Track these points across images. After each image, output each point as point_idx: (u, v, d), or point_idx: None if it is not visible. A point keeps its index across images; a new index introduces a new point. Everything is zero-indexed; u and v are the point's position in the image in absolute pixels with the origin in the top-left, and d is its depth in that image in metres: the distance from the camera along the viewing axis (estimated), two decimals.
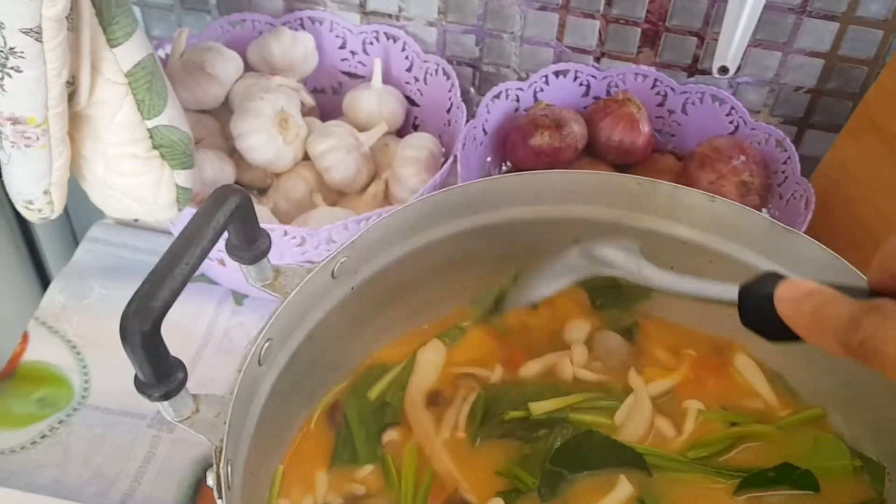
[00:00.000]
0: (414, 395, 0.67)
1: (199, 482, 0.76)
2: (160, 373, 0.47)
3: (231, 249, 0.54)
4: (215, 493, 0.49)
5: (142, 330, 0.45)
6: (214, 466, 0.49)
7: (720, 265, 0.66)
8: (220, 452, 0.49)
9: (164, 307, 0.45)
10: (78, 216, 1.04)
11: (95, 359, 0.83)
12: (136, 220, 0.94)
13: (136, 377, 0.48)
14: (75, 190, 0.76)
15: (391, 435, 0.65)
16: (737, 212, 0.64)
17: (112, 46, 0.66)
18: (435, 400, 0.67)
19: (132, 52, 0.67)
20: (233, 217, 0.50)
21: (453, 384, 0.68)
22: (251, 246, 0.54)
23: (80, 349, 0.84)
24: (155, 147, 0.71)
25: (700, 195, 0.64)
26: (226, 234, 0.54)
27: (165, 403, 0.49)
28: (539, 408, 0.66)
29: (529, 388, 0.67)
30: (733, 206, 0.64)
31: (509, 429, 0.66)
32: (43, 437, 0.78)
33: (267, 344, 0.55)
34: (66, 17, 0.61)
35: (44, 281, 1.04)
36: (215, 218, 0.49)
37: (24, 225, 1.00)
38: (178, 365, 0.49)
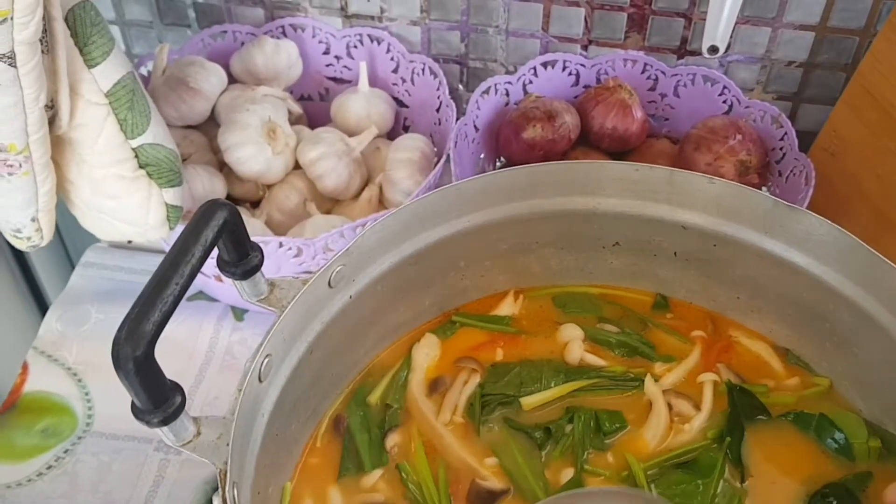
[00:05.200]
0: (415, 390, 0.66)
1: (211, 502, 0.75)
2: (157, 398, 0.46)
3: (223, 266, 0.53)
4: None
5: (134, 356, 0.43)
6: (220, 491, 0.48)
7: (724, 248, 0.65)
8: (225, 475, 0.48)
9: (156, 330, 0.44)
10: (72, 240, 1.02)
11: (97, 385, 0.82)
12: (129, 242, 0.93)
13: (132, 404, 0.46)
14: (68, 214, 0.75)
15: (394, 438, 0.63)
16: (737, 192, 0.62)
17: (90, 67, 0.65)
18: (436, 387, 0.66)
19: (111, 71, 0.66)
20: (221, 232, 0.49)
21: (454, 368, 0.67)
22: (243, 261, 0.53)
23: (81, 376, 0.83)
24: (141, 166, 0.70)
25: (699, 178, 0.63)
26: (216, 251, 0.53)
27: (165, 429, 0.47)
28: (530, 402, 0.65)
29: (532, 373, 0.66)
30: (733, 187, 0.62)
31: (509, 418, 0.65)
32: (49, 468, 0.77)
33: (266, 360, 0.53)
34: (40, 41, 0.60)
35: (42, 308, 1.02)
36: (203, 235, 0.48)
37: (18, 253, 0.99)
38: (176, 388, 0.47)
